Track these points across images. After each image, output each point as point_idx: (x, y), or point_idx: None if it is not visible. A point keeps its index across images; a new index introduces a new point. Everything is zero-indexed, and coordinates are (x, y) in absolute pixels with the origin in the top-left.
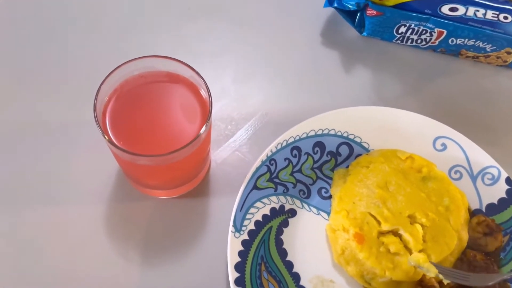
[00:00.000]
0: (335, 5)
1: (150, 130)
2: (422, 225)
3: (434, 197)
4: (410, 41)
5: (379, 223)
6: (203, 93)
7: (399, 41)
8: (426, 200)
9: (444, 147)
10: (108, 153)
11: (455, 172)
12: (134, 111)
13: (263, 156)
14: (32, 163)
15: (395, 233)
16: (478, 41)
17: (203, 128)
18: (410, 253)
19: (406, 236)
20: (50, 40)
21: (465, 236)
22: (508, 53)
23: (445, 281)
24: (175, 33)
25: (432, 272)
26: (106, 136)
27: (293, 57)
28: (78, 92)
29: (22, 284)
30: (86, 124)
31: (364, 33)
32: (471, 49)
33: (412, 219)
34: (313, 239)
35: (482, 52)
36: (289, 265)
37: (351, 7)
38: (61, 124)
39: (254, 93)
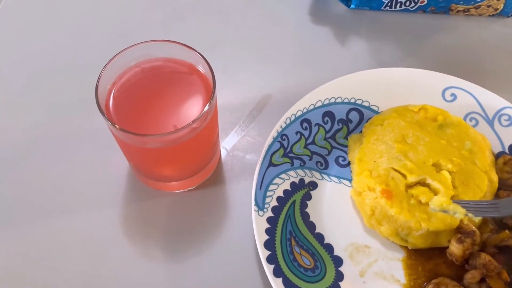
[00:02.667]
0: None
1: (156, 115)
2: (449, 171)
3: (455, 142)
4: (399, 5)
5: (404, 176)
6: (203, 69)
7: (388, 8)
8: (448, 147)
9: (454, 97)
10: (116, 156)
11: (470, 120)
12: (137, 99)
13: (273, 133)
14: (42, 176)
15: (423, 183)
16: None
17: (209, 103)
18: None
19: (434, 184)
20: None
21: (495, 177)
22: None
23: (476, 219)
24: (163, 35)
25: (460, 213)
26: (116, 126)
27: (285, 39)
28: (77, 101)
29: None
30: (89, 131)
31: (352, 6)
32: (461, 2)
33: (437, 167)
34: (339, 208)
35: (472, 3)
36: (320, 238)
37: None
38: (64, 135)
39: (253, 78)
